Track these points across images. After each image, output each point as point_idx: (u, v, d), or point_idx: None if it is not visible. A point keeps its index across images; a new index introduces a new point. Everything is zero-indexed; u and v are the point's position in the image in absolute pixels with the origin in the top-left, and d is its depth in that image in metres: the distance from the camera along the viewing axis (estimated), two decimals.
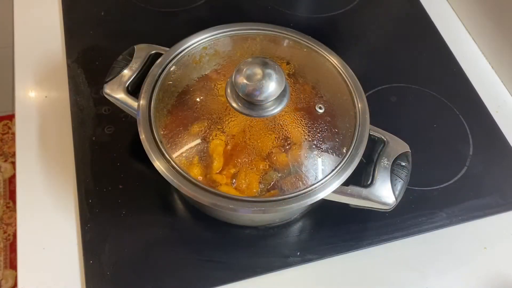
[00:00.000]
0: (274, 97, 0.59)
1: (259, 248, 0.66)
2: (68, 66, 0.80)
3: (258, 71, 0.57)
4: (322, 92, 0.73)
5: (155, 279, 0.62)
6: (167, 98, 0.70)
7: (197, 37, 0.69)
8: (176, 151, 0.67)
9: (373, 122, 0.63)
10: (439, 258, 0.68)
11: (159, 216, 0.67)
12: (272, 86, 0.57)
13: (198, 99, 0.72)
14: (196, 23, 0.78)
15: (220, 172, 0.65)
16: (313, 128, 0.70)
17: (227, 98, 0.62)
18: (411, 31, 0.93)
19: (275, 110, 0.62)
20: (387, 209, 0.60)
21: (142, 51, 0.68)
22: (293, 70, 0.73)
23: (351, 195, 0.58)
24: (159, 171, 0.56)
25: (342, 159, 0.60)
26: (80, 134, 0.73)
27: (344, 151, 0.62)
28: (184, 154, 0.66)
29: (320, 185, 0.57)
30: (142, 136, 0.58)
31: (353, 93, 0.65)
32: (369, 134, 0.62)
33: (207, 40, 0.70)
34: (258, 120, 0.68)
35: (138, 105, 0.61)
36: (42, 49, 0.83)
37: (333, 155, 0.67)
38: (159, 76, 0.65)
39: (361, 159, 0.59)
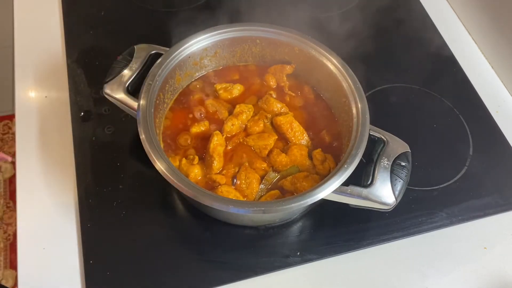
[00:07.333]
0: None
1: (259, 248, 0.66)
2: (68, 66, 0.80)
3: None
4: (322, 92, 0.73)
5: (155, 279, 0.62)
6: (167, 99, 0.70)
7: (197, 37, 0.69)
8: (176, 151, 0.67)
9: (373, 122, 0.63)
10: (439, 258, 0.68)
11: (159, 216, 0.67)
12: None
13: (198, 100, 0.72)
14: (196, 23, 0.77)
15: (220, 172, 0.65)
16: (313, 129, 0.70)
17: None
18: (411, 31, 0.93)
19: None
20: (387, 209, 0.60)
21: (142, 51, 0.68)
22: (293, 70, 0.73)
23: (351, 195, 0.58)
24: (159, 171, 0.56)
25: (342, 159, 0.60)
26: (80, 134, 0.73)
27: (344, 151, 0.62)
28: (184, 154, 0.66)
29: (320, 185, 0.56)
30: (142, 136, 0.58)
31: (353, 93, 0.65)
32: (369, 134, 0.62)
33: (207, 40, 0.70)
34: (258, 121, 0.68)
35: (138, 105, 0.61)
36: (42, 49, 0.83)
37: (333, 155, 0.67)
38: (159, 76, 0.64)
39: (361, 159, 0.59)
